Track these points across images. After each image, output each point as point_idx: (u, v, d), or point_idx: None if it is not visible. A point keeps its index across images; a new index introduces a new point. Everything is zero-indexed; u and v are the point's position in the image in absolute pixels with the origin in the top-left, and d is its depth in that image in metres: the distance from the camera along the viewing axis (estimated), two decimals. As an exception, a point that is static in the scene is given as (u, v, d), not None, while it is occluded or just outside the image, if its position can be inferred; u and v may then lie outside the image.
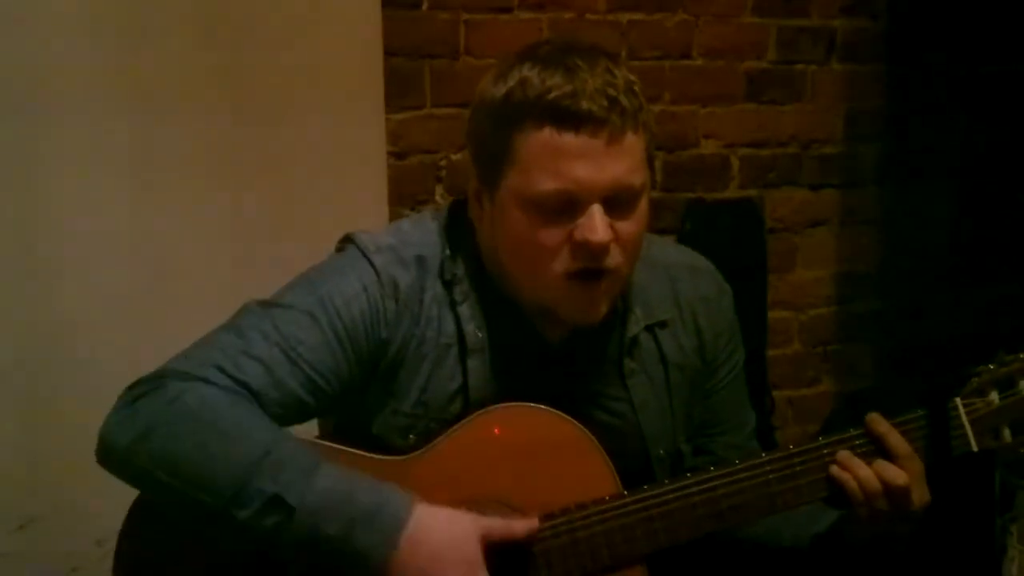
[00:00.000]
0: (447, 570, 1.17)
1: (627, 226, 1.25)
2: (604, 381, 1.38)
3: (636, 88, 1.25)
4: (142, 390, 1.24)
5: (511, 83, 1.24)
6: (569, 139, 1.21)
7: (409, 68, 2.45)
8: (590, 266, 1.24)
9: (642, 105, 1.25)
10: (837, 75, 2.90)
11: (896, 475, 1.28)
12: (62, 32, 1.93)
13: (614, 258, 1.25)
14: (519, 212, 1.25)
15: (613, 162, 1.22)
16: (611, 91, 1.21)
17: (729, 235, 2.76)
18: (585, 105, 1.20)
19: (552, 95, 1.20)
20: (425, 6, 2.46)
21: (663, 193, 2.74)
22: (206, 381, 1.23)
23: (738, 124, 2.81)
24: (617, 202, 1.24)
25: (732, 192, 2.83)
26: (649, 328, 1.40)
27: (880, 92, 2.94)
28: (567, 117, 1.20)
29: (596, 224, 1.22)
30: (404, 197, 2.45)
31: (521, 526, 1.24)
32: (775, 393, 2.88)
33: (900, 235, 2.99)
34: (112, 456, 1.23)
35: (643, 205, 1.27)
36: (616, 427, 1.36)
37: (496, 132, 1.25)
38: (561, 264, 1.25)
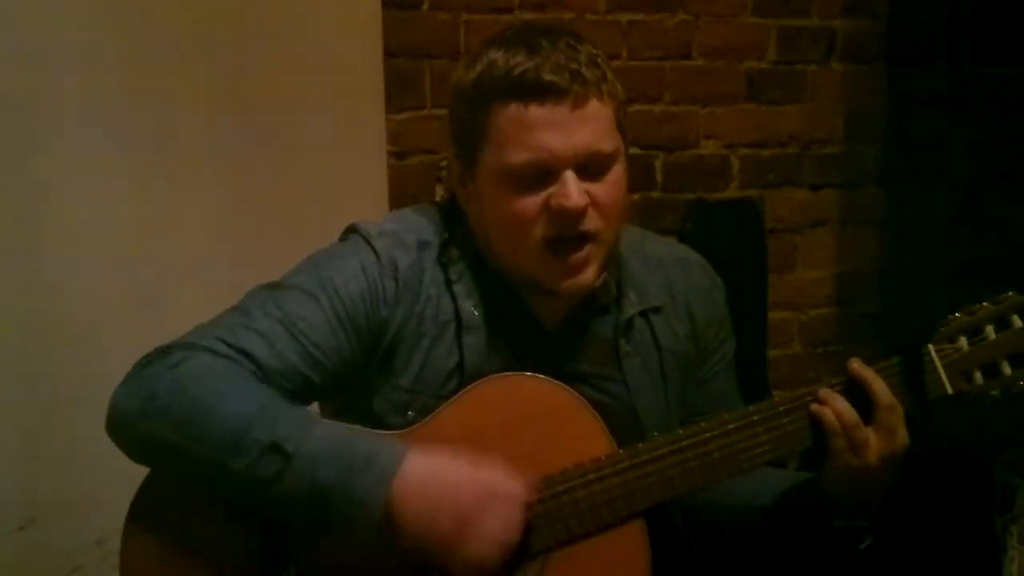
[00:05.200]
0: (445, 517, 1.20)
1: (602, 190, 1.29)
2: (600, 362, 1.41)
3: (599, 60, 1.30)
4: (147, 359, 1.30)
5: (480, 68, 1.30)
6: (535, 110, 1.26)
7: (409, 68, 2.46)
8: (568, 233, 1.28)
9: (605, 75, 1.29)
10: (837, 75, 2.91)
11: (874, 391, 1.31)
12: (64, 31, 1.93)
13: (592, 222, 1.29)
14: (496, 187, 1.30)
15: (580, 128, 1.26)
16: (572, 64, 1.26)
17: (729, 235, 2.77)
18: (547, 77, 1.25)
19: (516, 71, 1.26)
20: (425, 6, 2.47)
21: (663, 193, 2.74)
22: (208, 350, 1.28)
23: (738, 124, 2.82)
24: (589, 168, 1.28)
25: (732, 192, 2.84)
26: (643, 314, 1.43)
27: (880, 92, 2.94)
28: (531, 90, 1.26)
29: (570, 190, 1.26)
30: (404, 197, 2.45)
31: (520, 488, 1.25)
32: (775, 393, 2.87)
33: (900, 235, 2.99)
34: (119, 422, 1.28)
35: (617, 170, 1.31)
36: (611, 407, 1.37)
37: (469, 115, 1.31)
38: (539, 231, 1.29)
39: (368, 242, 1.36)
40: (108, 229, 2.00)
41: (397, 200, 2.41)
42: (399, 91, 2.43)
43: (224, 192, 2.10)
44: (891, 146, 2.96)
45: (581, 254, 1.30)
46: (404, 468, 1.20)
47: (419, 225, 1.39)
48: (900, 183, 2.97)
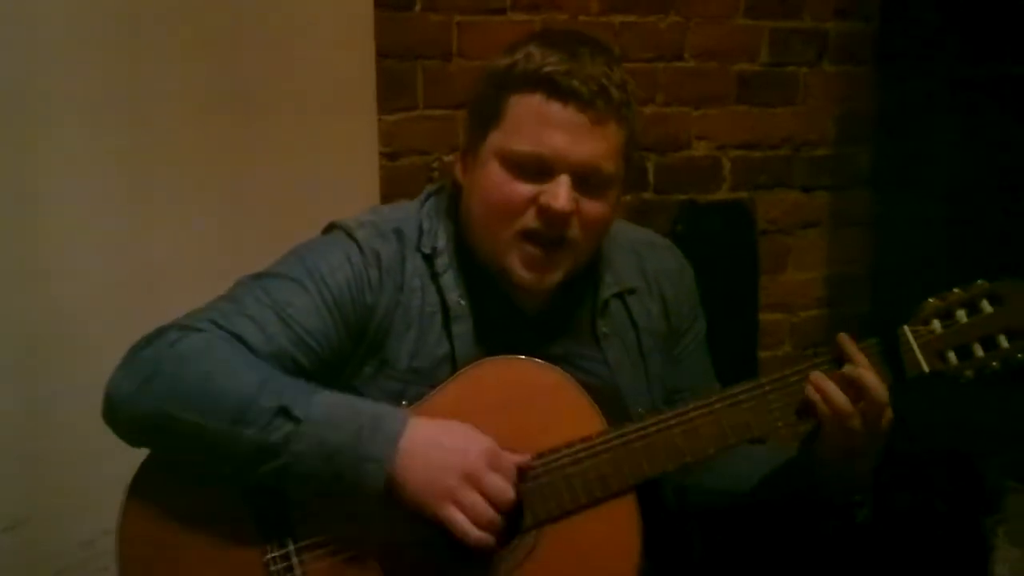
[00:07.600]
0: (451, 472, 1.24)
1: (592, 206, 1.34)
2: (580, 343, 1.45)
3: (629, 88, 1.35)
4: (142, 343, 1.32)
5: (516, 56, 1.34)
6: (555, 109, 1.30)
7: (401, 69, 2.45)
8: (547, 232, 1.32)
9: (629, 102, 1.34)
10: (829, 77, 2.91)
11: (863, 375, 1.34)
12: (59, 33, 1.93)
13: (573, 231, 1.34)
14: (495, 165, 1.34)
15: (590, 141, 1.31)
16: (604, 80, 1.31)
17: (721, 237, 2.77)
18: (576, 84, 1.29)
19: (549, 68, 1.30)
20: (418, 7, 2.46)
21: (655, 195, 2.74)
22: (203, 331, 1.31)
23: (730, 126, 2.82)
24: (586, 181, 1.32)
25: (724, 194, 2.84)
26: (619, 296, 1.48)
27: (872, 94, 2.95)
28: (558, 89, 1.30)
29: (560, 192, 1.31)
30: (396, 198, 2.39)
31: (515, 456, 1.29)
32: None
33: (892, 237, 2.99)
34: (118, 404, 1.29)
35: (612, 194, 1.36)
36: (594, 386, 1.40)
37: (492, 95, 1.35)
38: (521, 221, 1.33)
39: (350, 234, 1.40)
40: (102, 229, 2.00)
41: (389, 201, 2.39)
42: (391, 92, 2.42)
43: (216, 192, 2.09)
44: (883, 148, 2.96)
45: (553, 254, 1.34)
46: (411, 426, 1.25)
47: (395, 217, 1.44)
48: (891, 185, 2.98)
